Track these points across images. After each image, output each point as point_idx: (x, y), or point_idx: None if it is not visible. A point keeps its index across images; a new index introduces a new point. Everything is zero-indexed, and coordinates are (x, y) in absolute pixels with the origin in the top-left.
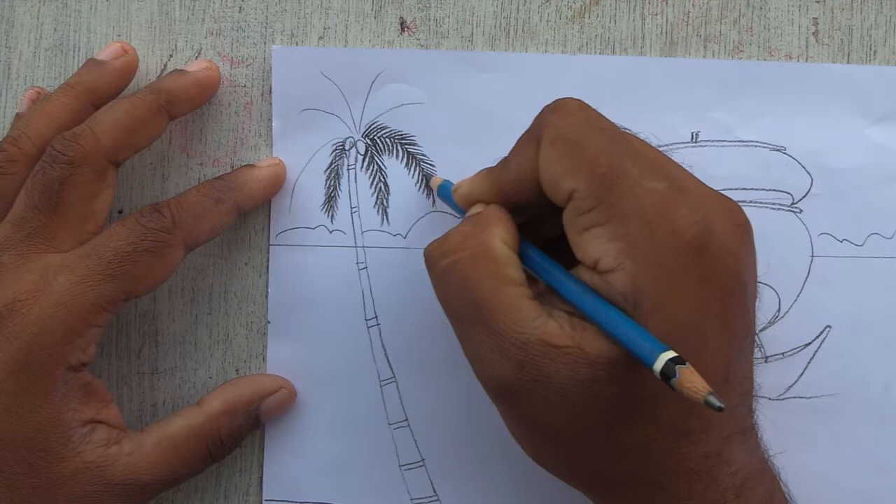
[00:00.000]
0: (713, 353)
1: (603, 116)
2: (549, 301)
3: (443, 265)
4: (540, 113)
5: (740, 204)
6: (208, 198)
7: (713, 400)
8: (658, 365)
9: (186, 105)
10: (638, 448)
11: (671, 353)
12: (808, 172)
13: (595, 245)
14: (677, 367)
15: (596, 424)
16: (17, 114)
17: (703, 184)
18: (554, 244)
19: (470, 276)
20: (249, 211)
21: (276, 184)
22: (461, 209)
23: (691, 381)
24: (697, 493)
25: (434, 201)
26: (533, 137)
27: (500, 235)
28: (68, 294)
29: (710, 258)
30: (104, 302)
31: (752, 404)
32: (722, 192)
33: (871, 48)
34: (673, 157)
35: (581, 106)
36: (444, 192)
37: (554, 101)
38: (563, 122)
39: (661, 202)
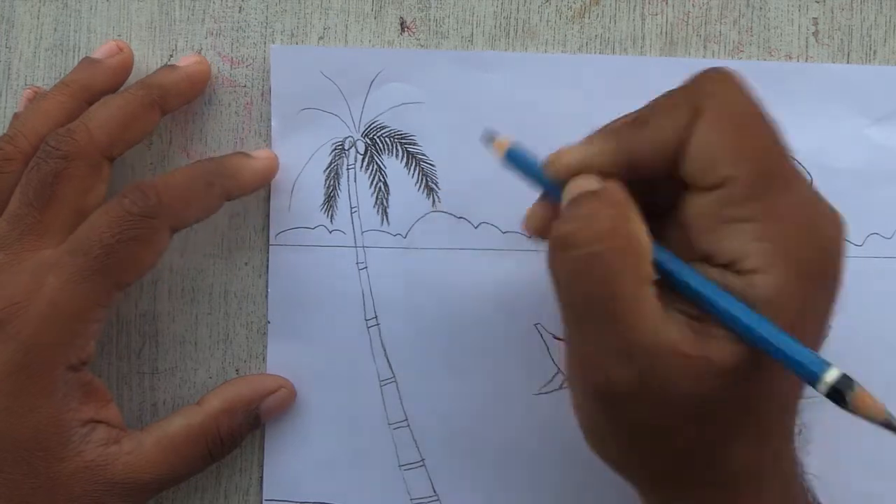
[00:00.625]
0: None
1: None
2: (665, 300)
3: (582, 253)
4: (697, 78)
5: None
6: (199, 180)
7: (892, 418)
8: (826, 383)
9: (178, 100)
10: (725, 448)
11: (837, 372)
12: (808, 172)
13: (738, 241)
14: (848, 388)
15: (694, 427)
16: (15, 114)
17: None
18: None
19: (614, 272)
20: (236, 199)
21: (268, 177)
22: (550, 183)
23: (865, 400)
24: (765, 490)
25: (435, 201)
26: (687, 103)
27: (641, 225)
28: (60, 293)
29: (835, 267)
30: (97, 297)
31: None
32: None
33: (871, 48)
34: None
35: (744, 82)
36: (519, 161)
37: (714, 69)
38: (733, 96)
39: (813, 214)
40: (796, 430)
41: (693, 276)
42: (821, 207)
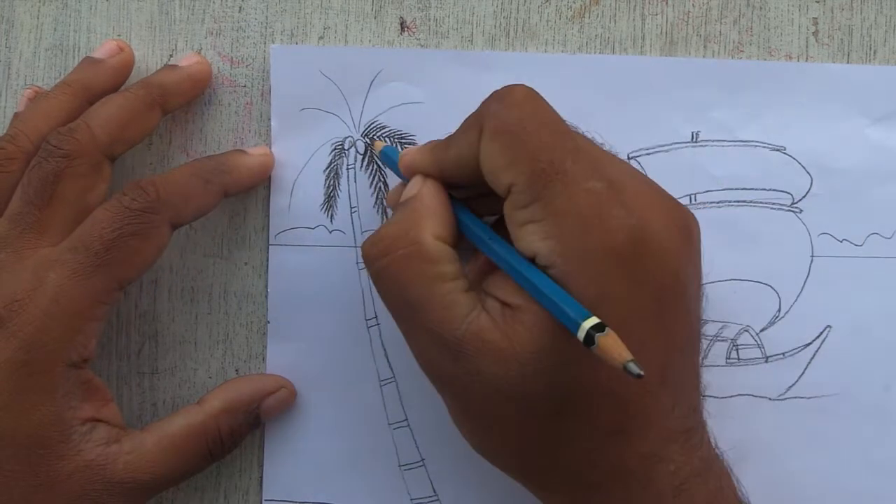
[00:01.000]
0: (650, 353)
1: (550, 109)
2: (486, 288)
3: (377, 266)
4: (486, 99)
5: (740, 204)
6: (197, 177)
7: (633, 367)
8: (583, 328)
9: (179, 99)
10: (572, 445)
11: (595, 320)
12: (808, 172)
13: (530, 241)
14: (598, 334)
15: (529, 419)
16: (16, 113)
17: (650, 184)
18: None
19: (403, 278)
20: (233, 196)
21: (264, 174)
22: (405, 176)
23: (612, 344)
24: (634, 493)
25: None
26: (476, 124)
27: (431, 230)
28: (61, 290)
29: (645, 259)
30: (98, 294)
31: (698, 404)
32: (722, 191)
33: (871, 48)
34: (672, 157)
35: (529, 95)
36: (388, 157)
37: (502, 88)
38: (507, 112)
39: (597, 202)
40: (686, 436)
41: (488, 246)
42: (617, 199)
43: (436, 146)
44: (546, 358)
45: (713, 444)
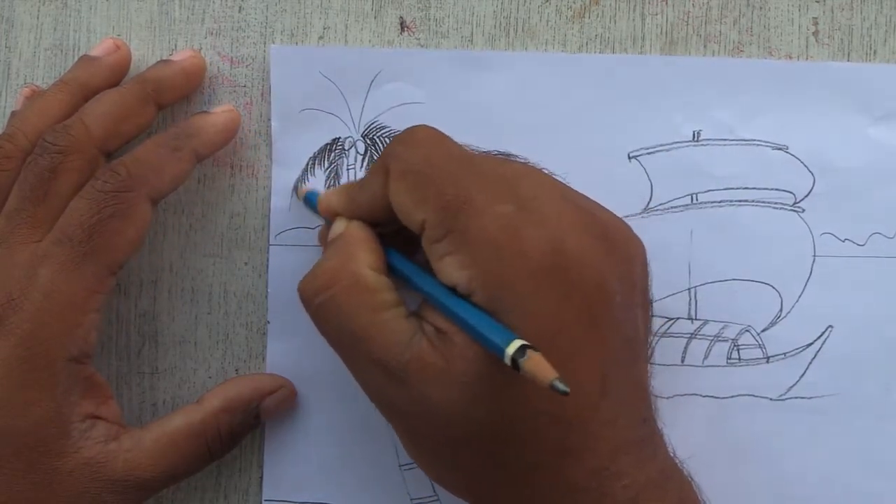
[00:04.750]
0: (585, 366)
1: (452, 143)
2: (422, 316)
3: (318, 302)
4: (390, 142)
5: (742, 204)
6: (164, 147)
7: (558, 384)
8: (508, 353)
9: (173, 94)
10: (520, 469)
11: (520, 342)
12: (810, 172)
13: (449, 273)
14: (528, 352)
15: (473, 443)
16: (13, 112)
17: (568, 198)
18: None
19: (346, 310)
20: (206, 157)
21: (232, 129)
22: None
23: (538, 363)
24: None
25: None
26: (382, 168)
27: (366, 262)
28: (52, 285)
29: (566, 273)
30: (90, 284)
31: (648, 414)
32: (724, 191)
33: (871, 48)
34: (673, 157)
35: (430, 135)
36: (309, 202)
37: (403, 131)
38: (410, 153)
39: (508, 225)
40: (637, 447)
41: (418, 283)
42: (527, 219)
43: (350, 188)
44: (483, 382)
45: (671, 454)
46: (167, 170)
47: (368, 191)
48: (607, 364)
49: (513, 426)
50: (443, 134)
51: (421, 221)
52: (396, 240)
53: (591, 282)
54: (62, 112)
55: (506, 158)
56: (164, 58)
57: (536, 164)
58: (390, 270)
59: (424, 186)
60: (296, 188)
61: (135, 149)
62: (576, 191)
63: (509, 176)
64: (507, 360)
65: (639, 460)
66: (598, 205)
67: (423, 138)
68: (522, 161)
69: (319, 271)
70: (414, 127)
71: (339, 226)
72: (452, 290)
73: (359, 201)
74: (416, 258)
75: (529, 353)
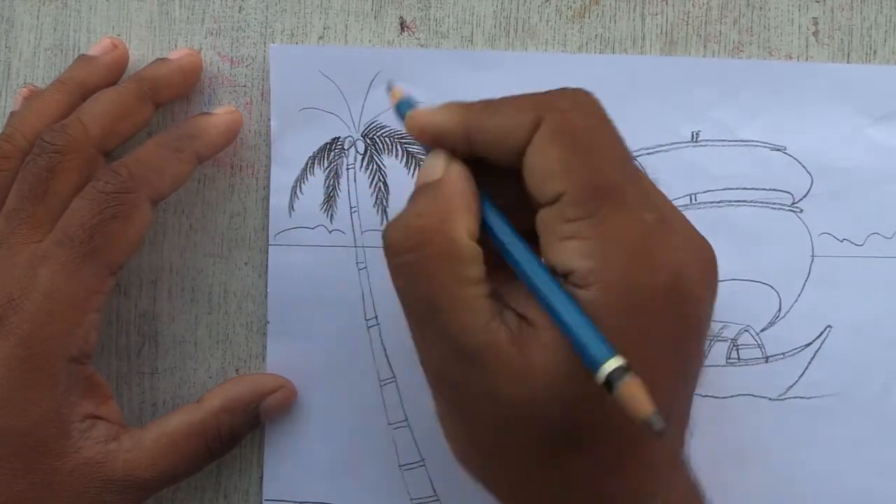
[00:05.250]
0: (661, 394)
1: (615, 127)
2: (504, 297)
3: (404, 259)
4: (551, 91)
5: (740, 204)
6: (166, 148)
7: (656, 420)
8: (605, 370)
9: (170, 92)
10: (570, 479)
11: (620, 361)
12: (808, 172)
13: (569, 257)
14: (624, 377)
15: (530, 445)
16: (12, 112)
17: (688, 224)
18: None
19: (431, 278)
20: (208, 159)
21: (234, 131)
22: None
23: (636, 394)
24: None
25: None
26: (533, 110)
27: (465, 225)
28: (53, 285)
29: (679, 300)
30: (90, 284)
31: (686, 438)
32: (723, 191)
33: (871, 48)
34: (672, 157)
35: (600, 107)
36: (401, 112)
37: (569, 88)
38: (577, 114)
39: (648, 235)
40: (671, 472)
41: (515, 260)
42: (665, 235)
43: (471, 107)
44: (561, 385)
45: (693, 478)
46: (168, 171)
47: (500, 122)
48: (679, 393)
49: (579, 437)
50: (606, 112)
51: (558, 193)
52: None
53: (695, 314)
54: (60, 112)
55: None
56: (161, 57)
57: None
58: (489, 235)
59: (581, 157)
60: (389, 87)
61: (136, 150)
62: (686, 218)
63: (650, 185)
64: (601, 378)
65: (673, 480)
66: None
67: (592, 105)
68: None
69: (413, 226)
70: (580, 89)
71: (438, 166)
72: (563, 276)
73: (479, 127)
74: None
75: (629, 378)
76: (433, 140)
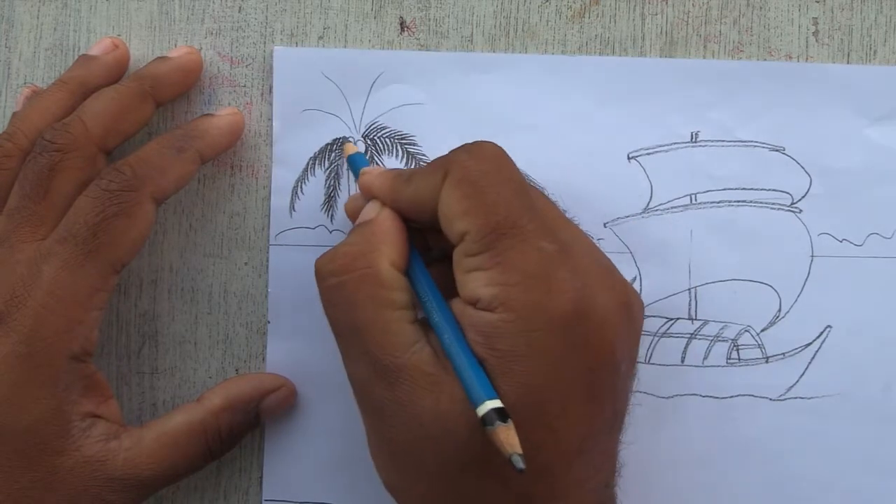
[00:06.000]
0: (571, 420)
1: (515, 168)
2: (428, 330)
3: (330, 283)
4: (456, 148)
5: (740, 204)
6: (170, 147)
7: (517, 460)
8: (482, 410)
9: (171, 90)
10: (475, 496)
11: (498, 404)
12: (807, 172)
13: (474, 287)
14: (499, 421)
15: (444, 464)
16: (14, 112)
17: (600, 256)
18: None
19: (354, 299)
20: (210, 159)
21: (236, 132)
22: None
23: (507, 435)
24: None
25: None
26: (441, 169)
27: (388, 256)
28: (56, 282)
29: (584, 326)
30: (93, 281)
31: (612, 480)
32: (722, 191)
33: (871, 48)
34: (672, 158)
35: (497, 153)
36: (353, 165)
37: (473, 142)
38: (474, 164)
39: (547, 263)
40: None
41: (427, 306)
42: (566, 263)
43: (397, 177)
44: (469, 411)
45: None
46: (171, 171)
47: (416, 187)
48: (594, 426)
49: (487, 458)
50: (508, 156)
51: (463, 232)
52: (414, 235)
53: (606, 343)
54: (61, 111)
55: (553, 202)
56: (161, 55)
57: (557, 201)
58: (409, 274)
59: (477, 199)
60: (342, 143)
61: (139, 149)
62: (601, 251)
63: (554, 216)
64: (480, 412)
65: None
66: (618, 271)
67: (490, 155)
68: (553, 200)
69: (339, 253)
70: (483, 141)
71: (372, 210)
72: (472, 304)
73: (403, 194)
74: (425, 255)
75: (498, 424)
76: (374, 198)
